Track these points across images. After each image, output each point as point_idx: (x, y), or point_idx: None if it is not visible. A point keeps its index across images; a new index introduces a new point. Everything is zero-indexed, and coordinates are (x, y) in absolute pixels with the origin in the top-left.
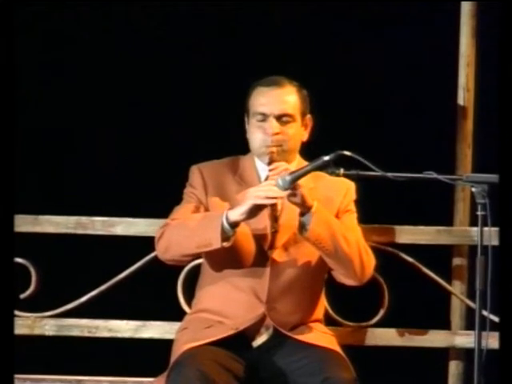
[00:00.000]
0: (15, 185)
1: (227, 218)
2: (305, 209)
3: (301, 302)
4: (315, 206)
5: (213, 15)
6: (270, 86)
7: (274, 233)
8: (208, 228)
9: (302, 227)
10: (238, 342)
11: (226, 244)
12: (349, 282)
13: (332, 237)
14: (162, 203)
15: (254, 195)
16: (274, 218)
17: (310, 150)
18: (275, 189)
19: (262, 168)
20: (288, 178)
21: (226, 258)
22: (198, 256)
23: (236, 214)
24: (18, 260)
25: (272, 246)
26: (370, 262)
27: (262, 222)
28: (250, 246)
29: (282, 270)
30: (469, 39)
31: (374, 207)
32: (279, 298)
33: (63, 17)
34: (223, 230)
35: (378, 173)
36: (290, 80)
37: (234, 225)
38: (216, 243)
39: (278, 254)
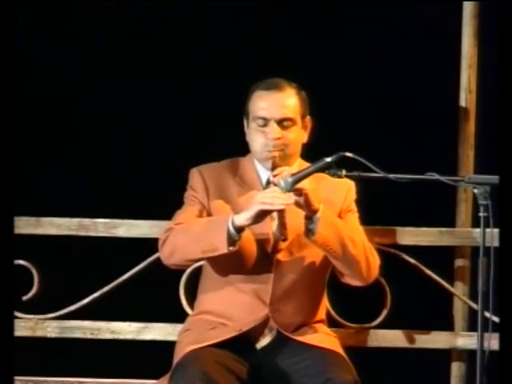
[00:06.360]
0: (16, 186)
1: (233, 223)
2: (311, 212)
3: (304, 303)
4: (321, 210)
5: (212, 17)
6: (269, 90)
7: (282, 241)
8: (214, 233)
9: (309, 231)
10: (242, 344)
11: (232, 249)
12: (355, 283)
13: (339, 239)
14: (165, 205)
15: (261, 201)
16: (283, 227)
17: (311, 152)
18: (282, 195)
19: (262, 170)
20: (290, 179)
21: (230, 262)
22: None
23: (242, 218)
24: (21, 262)
25: (276, 249)
26: (376, 262)
27: (266, 225)
28: (253, 250)
29: (285, 273)
30: (471, 40)
31: (376, 208)
32: (282, 300)
33: (68, 12)
34: (229, 235)
35: (380, 174)
36: (289, 82)
37: (240, 229)
38: (222, 248)
39: (282, 257)
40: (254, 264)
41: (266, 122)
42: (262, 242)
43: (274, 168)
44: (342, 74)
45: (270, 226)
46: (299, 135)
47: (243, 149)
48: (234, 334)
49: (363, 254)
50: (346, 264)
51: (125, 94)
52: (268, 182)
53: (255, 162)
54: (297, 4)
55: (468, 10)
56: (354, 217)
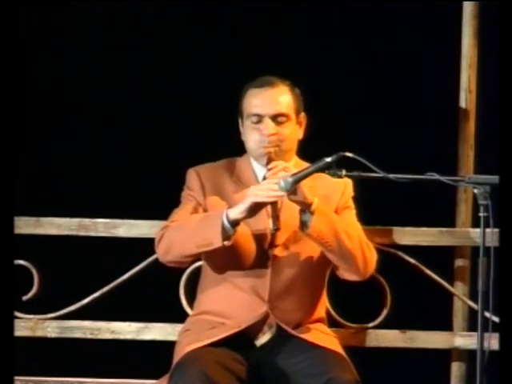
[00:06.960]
0: (16, 186)
1: (227, 217)
2: (305, 206)
3: (303, 299)
4: (316, 203)
5: (212, 17)
6: (262, 87)
7: (275, 231)
8: (208, 227)
9: (303, 224)
10: (241, 342)
11: (226, 243)
12: (352, 277)
13: (334, 232)
14: (165, 205)
15: (254, 193)
16: (276, 217)
17: (311, 151)
18: (275, 187)
19: (258, 168)
20: (290, 179)
21: (227, 259)
22: (198, 258)
23: (236, 212)
24: (20, 262)
25: (272, 245)
26: (373, 256)
27: (262, 221)
28: (250, 246)
29: (282, 269)
30: (471, 39)
31: (376, 208)
32: (281, 296)
33: (68, 12)
34: (224, 229)
35: (380, 174)
36: (282, 79)
37: (235, 223)
38: (217, 242)
39: (278, 253)
40: (251, 260)
41: (260, 118)
42: (258, 238)
43: (268, 163)
44: (342, 74)
45: (267, 222)
46: (294, 131)
47: (243, 149)
48: (233, 331)
49: (359, 249)
50: (342, 258)
51: (124, 94)
52: (264, 180)
53: (251, 160)
54: (297, 4)
55: (468, 10)
56: (351, 213)
